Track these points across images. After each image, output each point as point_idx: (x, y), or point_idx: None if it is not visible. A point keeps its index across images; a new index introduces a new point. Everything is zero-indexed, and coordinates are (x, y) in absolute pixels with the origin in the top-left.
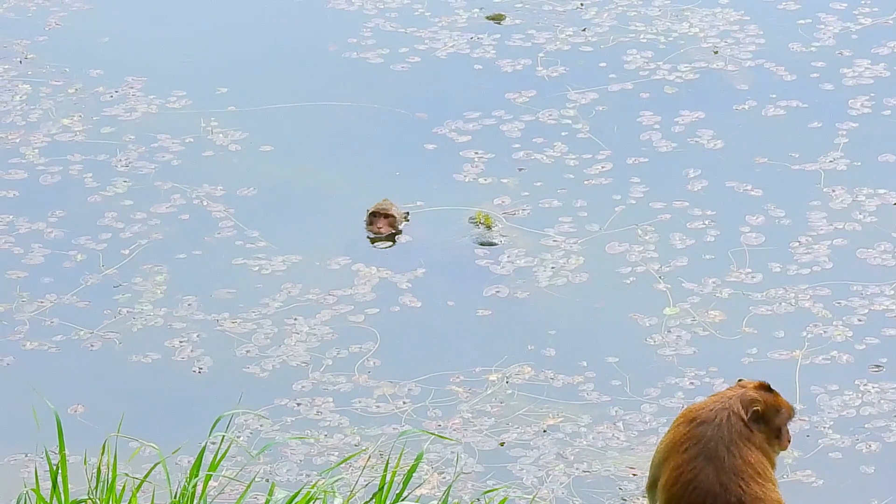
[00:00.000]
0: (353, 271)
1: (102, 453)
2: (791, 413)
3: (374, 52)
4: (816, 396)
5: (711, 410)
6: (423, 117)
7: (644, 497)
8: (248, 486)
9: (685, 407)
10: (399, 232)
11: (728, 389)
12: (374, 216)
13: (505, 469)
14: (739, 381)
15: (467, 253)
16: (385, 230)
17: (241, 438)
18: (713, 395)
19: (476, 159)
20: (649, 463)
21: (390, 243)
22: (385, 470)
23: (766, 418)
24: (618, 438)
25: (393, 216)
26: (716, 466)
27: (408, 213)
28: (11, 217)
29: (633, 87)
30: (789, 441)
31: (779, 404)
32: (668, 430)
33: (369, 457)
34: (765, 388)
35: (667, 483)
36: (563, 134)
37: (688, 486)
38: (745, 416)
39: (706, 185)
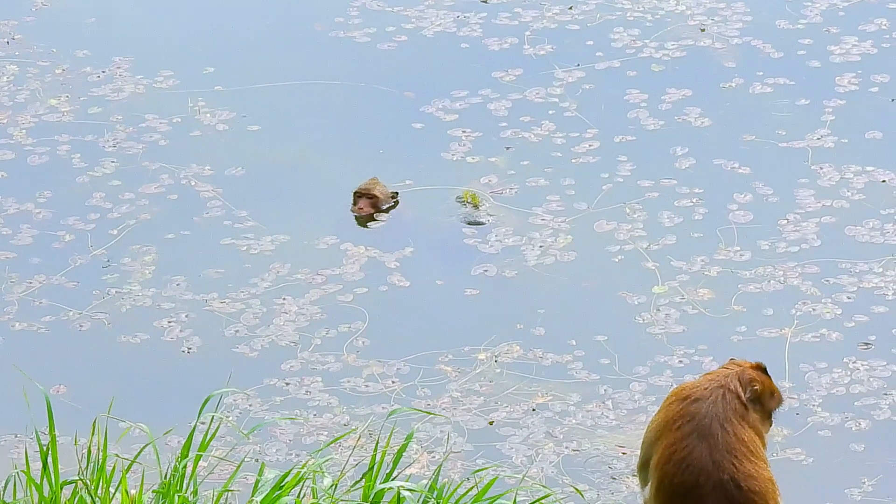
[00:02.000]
0: (341, 251)
1: (92, 434)
2: (781, 400)
3: (361, 31)
4: (805, 374)
5: (706, 388)
6: (410, 96)
7: (634, 476)
8: (238, 467)
9: (675, 386)
10: (382, 211)
11: (721, 368)
12: (356, 196)
13: (494, 448)
14: (731, 360)
15: (455, 232)
16: (366, 210)
17: (231, 418)
18: (706, 374)
19: (463, 138)
20: (639, 442)
21: (376, 223)
22: (375, 450)
23: (761, 399)
24: (607, 417)
25: (376, 196)
26: (709, 444)
27: (396, 192)
28: None
29: (619, 66)
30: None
31: (773, 387)
32: (659, 410)
33: (359, 436)
34: (761, 369)
35: (659, 461)
36: (550, 112)
37: (680, 464)
38: (742, 394)
39: (694, 163)
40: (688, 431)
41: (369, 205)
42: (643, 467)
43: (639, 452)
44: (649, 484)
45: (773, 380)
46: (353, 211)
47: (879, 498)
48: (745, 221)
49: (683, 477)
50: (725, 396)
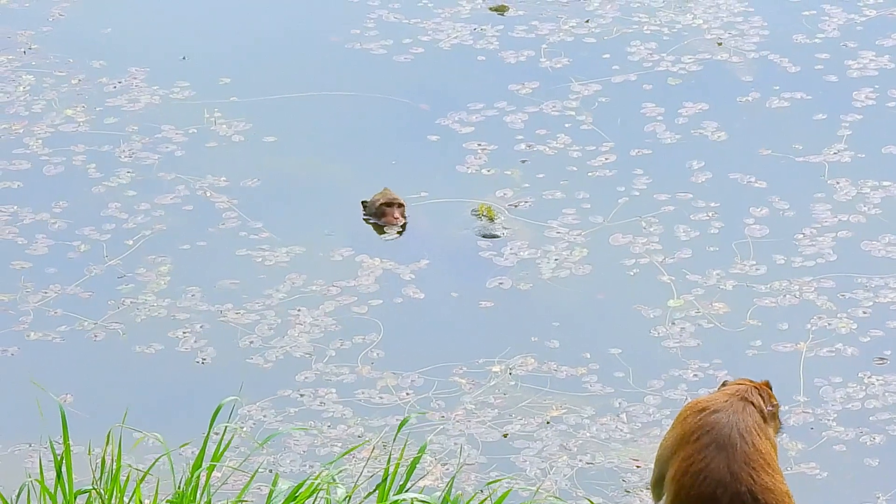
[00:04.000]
0: (356, 262)
1: (106, 444)
2: (779, 425)
3: (378, 42)
4: (820, 389)
5: (725, 401)
6: (426, 108)
7: (648, 489)
8: (252, 477)
9: (689, 401)
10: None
11: (730, 386)
12: (387, 206)
13: (508, 461)
14: (724, 383)
15: (470, 245)
16: (401, 220)
17: (245, 429)
18: (717, 392)
19: (479, 151)
20: (654, 455)
21: (390, 235)
22: (388, 461)
23: (774, 416)
24: (621, 430)
25: (403, 204)
26: (727, 454)
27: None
28: (15, 207)
29: (636, 79)
30: None
31: (777, 408)
32: (674, 426)
33: (373, 448)
34: (769, 387)
35: (676, 474)
36: (566, 125)
37: (698, 475)
38: (764, 407)
39: (710, 177)
40: (706, 442)
41: (401, 213)
42: (657, 484)
43: (652, 468)
44: (663, 499)
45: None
46: (384, 221)
47: None
48: (760, 235)
49: (701, 488)
50: (746, 408)
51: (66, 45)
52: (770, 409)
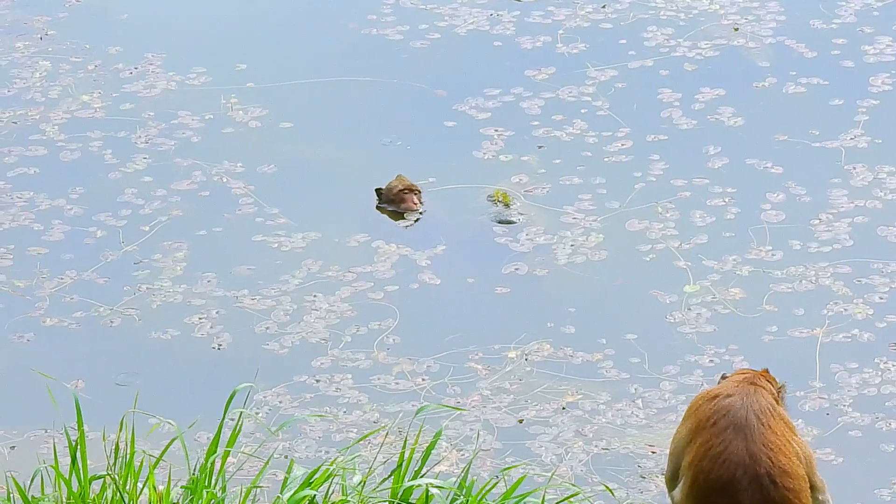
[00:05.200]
0: (372, 248)
1: (121, 430)
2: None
3: (394, 28)
4: (836, 374)
5: (736, 386)
6: (442, 94)
7: (664, 475)
8: (267, 463)
9: (700, 392)
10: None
11: (734, 375)
12: (406, 193)
13: (524, 446)
14: (723, 376)
15: (486, 230)
16: (420, 206)
17: (261, 415)
18: (725, 381)
19: (495, 136)
20: (668, 441)
21: (407, 221)
22: (403, 447)
23: (782, 397)
24: (637, 416)
25: (420, 191)
26: (745, 436)
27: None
28: (32, 193)
29: (652, 65)
30: None
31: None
32: (686, 418)
33: (388, 433)
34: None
35: (694, 459)
36: (582, 111)
37: (717, 459)
38: (773, 389)
39: (726, 163)
40: (723, 426)
41: (419, 199)
42: (672, 478)
43: (668, 455)
44: (679, 485)
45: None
46: (410, 208)
47: None
48: (777, 221)
49: (720, 472)
50: (758, 391)
51: (83, 31)
52: (781, 387)
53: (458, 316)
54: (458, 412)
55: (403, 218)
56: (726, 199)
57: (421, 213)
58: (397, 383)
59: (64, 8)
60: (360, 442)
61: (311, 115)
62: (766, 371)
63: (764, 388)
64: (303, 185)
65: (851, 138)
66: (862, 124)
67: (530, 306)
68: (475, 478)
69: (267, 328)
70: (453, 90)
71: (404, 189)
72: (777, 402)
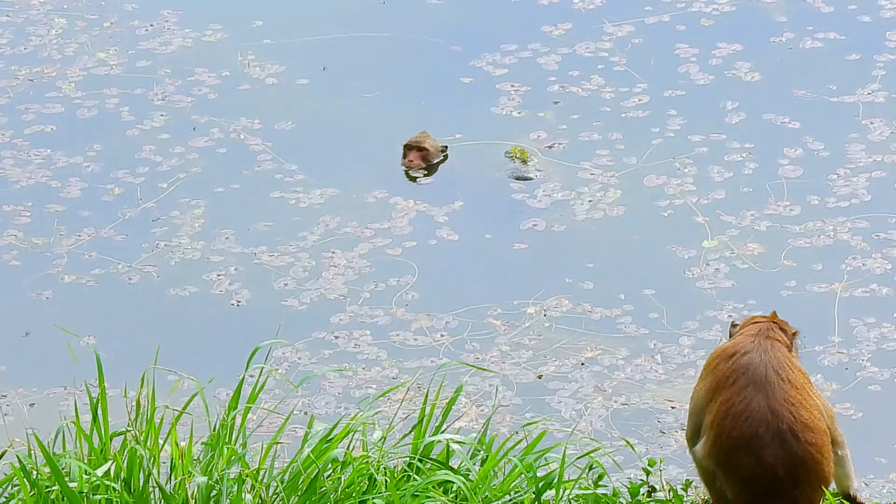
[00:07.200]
0: (390, 204)
1: (141, 386)
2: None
3: None
4: (854, 329)
5: (751, 342)
6: (458, 50)
7: (683, 429)
8: (287, 419)
9: (717, 348)
10: (432, 165)
11: (748, 326)
12: (407, 149)
13: (543, 402)
14: (733, 324)
15: (504, 187)
16: (416, 163)
17: (280, 371)
18: (738, 335)
19: (512, 92)
20: (688, 396)
21: (425, 175)
22: (424, 403)
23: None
24: (656, 371)
25: (426, 149)
26: (766, 392)
27: (446, 146)
28: (49, 151)
29: (669, 20)
30: None
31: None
32: (703, 376)
33: (407, 389)
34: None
35: (716, 418)
36: (599, 67)
37: (739, 416)
38: (787, 340)
39: (744, 118)
40: (744, 384)
41: (419, 158)
42: (693, 436)
43: (686, 421)
44: (701, 442)
45: None
46: (403, 164)
47: None
48: (795, 176)
49: (743, 429)
50: (773, 345)
51: None
52: (793, 335)
53: (477, 272)
54: (476, 372)
55: (424, 174)
56: (744, 155)
57: (423, 170)
58: (416, 339)
59: None
60: (380, 398)
61: (328, 71)
62: (775, 314)
63: (778, 339)
64: (320, 141)
65: (869, 93)
66: (879, 79)
67: (548, 262)
68: (495, 433)
69: (285, 284)
70: (470, 46)
71: (406, 144)
72: (790, 351)
